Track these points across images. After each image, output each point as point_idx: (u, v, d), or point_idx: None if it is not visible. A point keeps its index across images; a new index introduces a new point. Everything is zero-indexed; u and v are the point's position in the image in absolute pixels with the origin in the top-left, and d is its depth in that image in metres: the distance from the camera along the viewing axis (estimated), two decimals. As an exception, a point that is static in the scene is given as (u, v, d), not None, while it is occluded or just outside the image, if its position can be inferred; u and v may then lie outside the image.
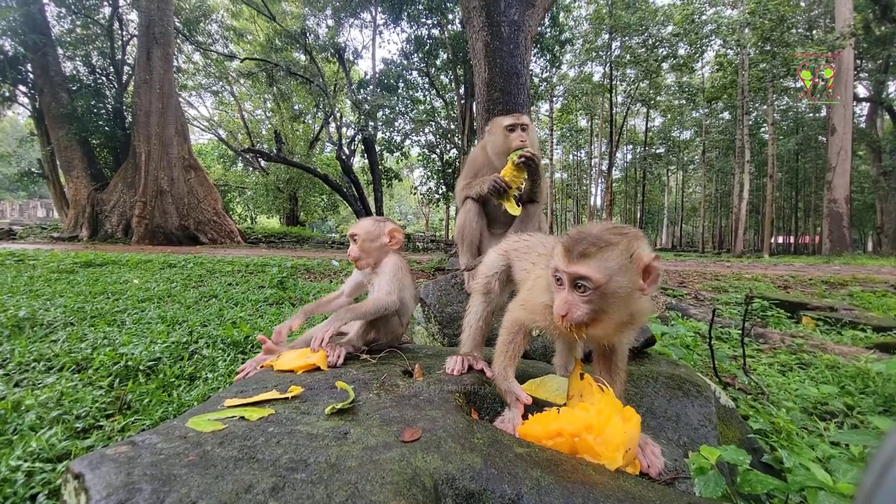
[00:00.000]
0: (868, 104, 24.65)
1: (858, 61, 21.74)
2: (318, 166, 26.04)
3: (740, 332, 2.81)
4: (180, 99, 19.89)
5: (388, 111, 21.50)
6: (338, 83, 24.41)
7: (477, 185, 2.56)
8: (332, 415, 1.22)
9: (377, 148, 22.77)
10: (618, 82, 28.18)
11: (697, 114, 33.82)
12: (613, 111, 28.03)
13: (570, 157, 43.35)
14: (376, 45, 23.10)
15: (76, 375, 2.25)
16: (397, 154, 23.67)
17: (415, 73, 22.95)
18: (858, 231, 36.54)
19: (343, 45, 22.17)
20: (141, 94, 15.44)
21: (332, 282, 6.28)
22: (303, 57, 22.97)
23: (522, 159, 2.32)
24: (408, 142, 23.86)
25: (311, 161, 26.43)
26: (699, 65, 27.77)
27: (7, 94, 17.46)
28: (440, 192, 25.30)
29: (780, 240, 39.17)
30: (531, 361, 2.07)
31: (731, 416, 1.85)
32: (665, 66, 25.02)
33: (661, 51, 23.40)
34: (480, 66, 5.58)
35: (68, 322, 3.18)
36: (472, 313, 1.74)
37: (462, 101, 20.72)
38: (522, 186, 2.42)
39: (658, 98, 31.34)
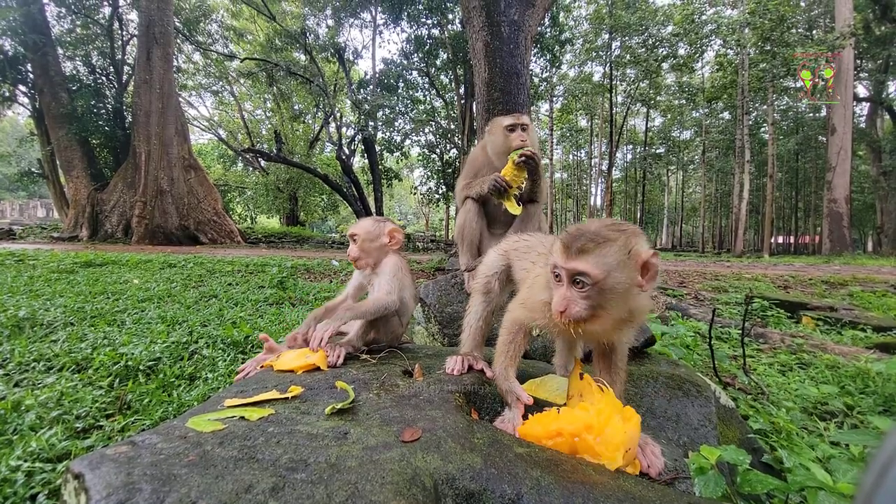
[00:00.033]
0: (868, 104, 24.65)
1: (858, 61, 21.74)
2: (318, 166, 26.04)
3: (740, 332, 2.81)
4: (180, 99, 19.89)
5: (388, 111, 21.51)
6: (338, 83, 24.41)
7: (477, 185, 2.56)
8: (332, 415, 1.22)
9: (377, 148, 22.77)
10: (618, 82, 28.19)
11: (697, 114, 33.83)
12: (613, 111, 28.03)
13: (570, 157, 43.37)
14: (376, 45, 23.13)
15: (76, 375, 2.25)
16: (397, 154, 23.68)
17: (415, 73, 22.96)
18: (858, 231, 36.54)
19: (343, 44, 22.18)
20: (141, 94, 15.44)
21: (332, 282, 6.28)
22: (303, 57, 22.97)
23: (523, 159, 2.32)
24: (408, 142, 23.88)
25: (311, 161, 26.43)
26: (699, 65, 27.79)
27: (7, 93, 17.46)
28: (440, 192, 25.30)
29: (780, 240, 39.17)
30: (531, 361, 2.07)
31: (731, 416, 1.85)
32: (665, 65, 25.03)
33: (661, 51, 23.41)
34: (480, 65, 5.58)
35: (68, 322, 3.18)
36: (472, 313, 1.74)
37: (462, 101, 20.73)
38: (523, 186, 2.42)
39: (658, 98, 31.34)
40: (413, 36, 20.28)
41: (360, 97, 20.70)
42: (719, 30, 20.72)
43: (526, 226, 2.51)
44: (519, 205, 2.44)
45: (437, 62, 21.54)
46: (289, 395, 1.36)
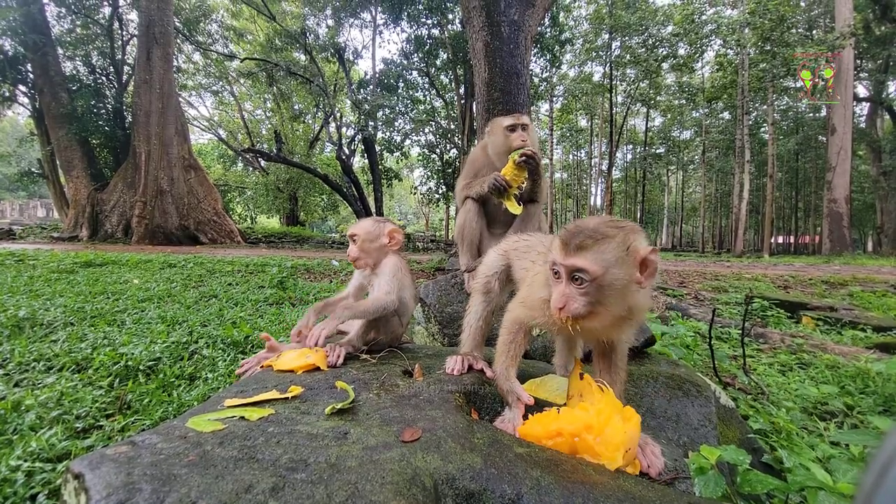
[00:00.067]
0: (868, 104, 24.65)
1: (858, 61, 21.74)
2: (318, 166, 26.04)
3: (740, 332, 2.81)
4: (180, 99, 19.89)
5: (388, 111, 21.51)
6: (338, 83, 24.42)
7: (477, 185, 2.56)
8: (332, 415, 1.22)
9: (377, 148, 22.77)
10: (618, 82, 28.18)
11: (697, 114, 33.83)
12: (613, 111, 28.03)
13: (570, 156, 43.37)
14: (376, 45, 23.13)
15: (76, 375, 2.25)
16: (397, 154, 23.68)
17: (415, 73, 22.96)
18: (858, 231, 36.55)
19: (343, 44, 22.18)
20: (141, 94, 15.44)
21: (332, 282, 6.28)
22: (303, 57, 22.98)
23: (523, 159, 2.32)
24: (408, 142, 23.88)
25: (311, 161, 26.44)
26: (699, 65, 27.79)
27: (7, 93, 17.46)
28: (440, 192, 25.30)
29: (780, 240, 39.18)
30: (531, 361, 2.07)
31: (731, 416, 1.85)
32: (665, 65, 25.03)
33: (661, 51, 23.40)
34: (480, 65, 5.58)
35: (68, 322, 3.18)
36: (472, 313, 1.74)
37: (462, 101, 20.73)
38: (523, 186, 2.42)
39: (658, 98, 31.33)
40: (413, 36, 20.28)
41: (360, 97, 20.70)
42: (719, 30, 20.72)
43: (526, 226, 2.51)
44: (519, 204, 2.44)
45: (437, 62, 21.54)
46: (289, 395, 1.35)
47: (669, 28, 22.92)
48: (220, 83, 27.41)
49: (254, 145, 26.50)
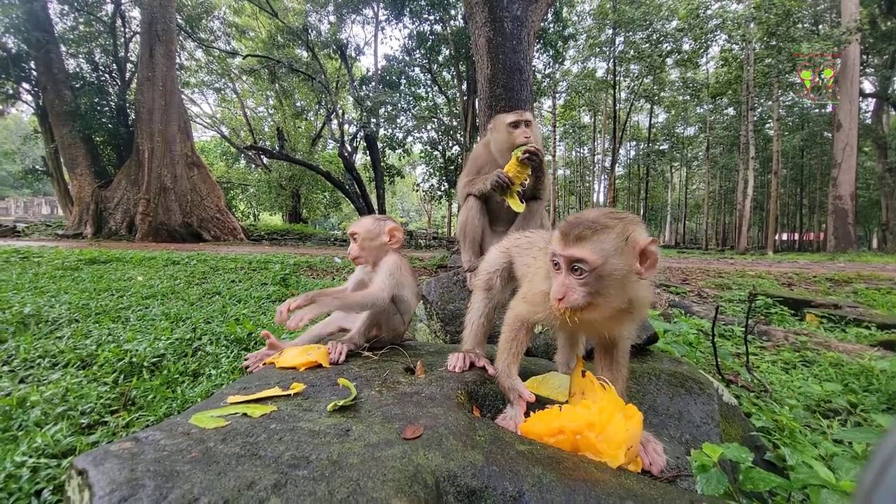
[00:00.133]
0: (874, 100, 24.40)
1: (864, 57, 21.51)
2: (321, 163, 26.04)
3: (743, 329, 2.80)
4: (183, 96, 19.93)
5: (390, 108, 21.45)
6: (340, 80, 24.37)
7: (480, 182, 2.56)
8: (334, 412, 1.23)
9: (379, 145, 22.74)
10: (621, 78, 27.99)
11: (701, 110, 33.55)
12: (617, 107, 27.85)
13: (573, 153, 43.20)
14: (378, 42, 23.06)
15: (81, 372, 2.27)
16: (399, 151, 23.62)
17: (417, 70, 22.87)
18: (864, 228, 36.30)
19: (345, 41, 22.11)
20: (144, 92, 15.47)
21: (334, 279, 6.29)
22: (305, 53, 22.94)
23: (526, 155, 2.31)
24: (410, 138, 23.79)
25: (313, 158, 26.45)
26: (704, 60, 27.56)
27: (11, 91, 17.53)
28: (442, 189, 25.25)
29: (785, 237, 38.95)
30: (533, 359, 2.07)
31: (733, 414, 1.84)
32: (669, 61, 24.84)
33: (665, 46, 23.23)
34: (483, 62, 5.55)
35: (73, 319, 3.20)
36: (474, 310, 1.74)
37: (464, 98, 20.65)
38: (526, 183, 2.41)
39: (662, 94, 31.12)
40: (415, 32, 20.20)
41: (362, 94, 20.67)
42: (724, 25, 20.53)
43: (528, 223, 2.50)
44: (522, 202, 2.43)
45: (440, 58, 21.45)
46: (291, 391, 1.36)
47: (674, 23, 22.74)
48: (223, 80, 27.43)
49: (256, 142, 26.53)
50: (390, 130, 22.67)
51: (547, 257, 1.26)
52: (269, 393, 1.35)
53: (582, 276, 1.15)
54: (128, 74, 19.02)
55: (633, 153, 41.99)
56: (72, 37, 17.65)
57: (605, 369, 1.42)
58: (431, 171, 25.86)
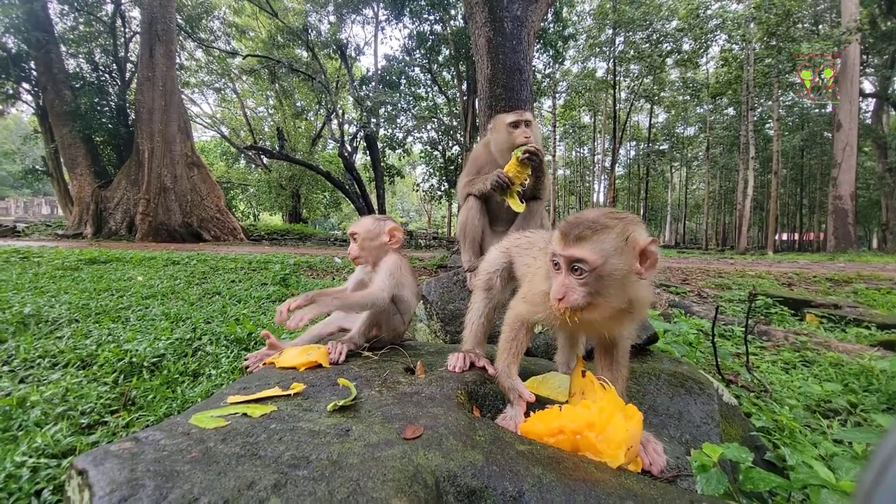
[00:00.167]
0: (874, 100, 24.40)
1: (864, 57, 21.51)
2: (321, 163, 26.05)
3: (743, 329, 2.80)
4: (183, 96, 19.92)
5: (390, 108, 21.45)
6: (340, 80, 24.37)
7: (480, 182, 2.55)
8: (333, 412, 1.23)
9: (379, 145, 22.74)
10: (621, 78, 27.98)
11: (701, 109, 33.54)
12: (617, 107, 27.84)
13: (573, 153, 43.19)
14: (378, 42, 23.07)
15: (81, 372, 2.27)
16: (399, 151, 23.62)
17: (417, 70, 22.87)
18: (864, 228, 36.29)
19: (345, 41, 22.11)
20: (144, 92, 15.47)
21: (334, 279, 6.29)
22: (305, 53, 22.94)
23: (526, 155, 2.31)
24: (410, 138, 23.79)
25: (313, 158, 26.45)
26: (704, 60, 27.55)
27: (11, 91, 17.52)
28: (442, 188, 25.25)
29: (785, 237, 38.94)
30: (533, 359, 2.07)
31: (733, 414, 1.84)
32: (669, 61, 24.83)
33: (665, 46, 23.22)
34: (483, 62, 5.55)
35: (73, 319, 3.20)
36: (474, 310, 1.74)
37: (464, 98, 20.65)
38: (526, 183, 2.41)
39: (662, 94, 31.11)
40: (415, 32, 20.20)
41: (362, 94, 20.67)
42: (724, 25, 20.53)
43: (528, 223, 2.50)
44: (522, 202, 2.43)
45: (440, 58, 21.45)
46: (291, 391, 1.36)
47: (674, 23, 22.73)
48: (223, 80, 27.44)
49: (256, 142, 26.53)
50: (390, 130, 22.67)
51: (547, 257, 1.26)
52: (269, 393, 1.35)
53: (582, 276, 1.15)
54: (128, 74, 19.02)
55: (633, 153, 41.98)
56: (72, 37, 17.65)
57: (605, 369, 1.42)
58: (431, 171, 25.86)
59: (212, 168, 24.00)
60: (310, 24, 21.91)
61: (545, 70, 23.09)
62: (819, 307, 4.78)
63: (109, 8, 18.49)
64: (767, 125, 28.58)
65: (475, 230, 2.61)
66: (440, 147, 24.43)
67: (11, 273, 4.97)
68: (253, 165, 30.42)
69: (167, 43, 15.74)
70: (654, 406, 1.62)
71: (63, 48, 17.09)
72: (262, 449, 0.97)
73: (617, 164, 30.58)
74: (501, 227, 2.65)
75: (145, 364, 2.38)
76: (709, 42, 22.56)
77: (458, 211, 2.81)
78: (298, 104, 28.33)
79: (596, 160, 40.10)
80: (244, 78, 26.81)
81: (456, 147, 23.11)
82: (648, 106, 33.37)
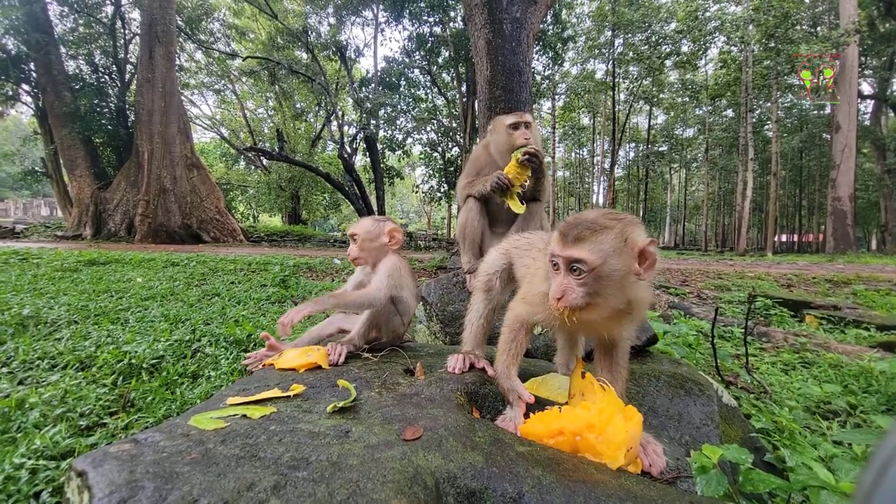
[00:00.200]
0: (873, 101, 24.48)
1: (863, 58, 21.59)
2: (320, 165, 26.05)
3: (743, 330, 2.80)
4: (182, 97, 19.92)
5: (389, 109, 21.46)
6: (339, 81, 24.39)
7: (480, 184, 2.56)
8: (333, 413, 1.22)
9: (379, 146, 22.76)
10: (620, 80, 28.03)
11: (701, 111, 33.60)
12: (616, 109, 27.89)
13: (573, 154, 43.23)
14: (378, 43, 23.07)
15: (80, 373, 2.26)
16: (399, 152, 23.63)
17: (416, 71, 22.89)
18: (862, 229, 36.35)
19: (345, 43, 22.14)
20: (143, 93, 15.47)
21: (333, 280, 6.29)
22: (304, 55, 22.96)
23: (526, 157, 2.32)
24: (410, 140, 23.80)
25: (313, 159, 26.45)
26: (702, 62, 27.60)
27: (10, 92, 17.52)
28: (442, 190, 25.26)
29: (784, 238, 38.99)
30: (533, 360, 2.07)
31: (733, 415, 1.84)
32: (668, 63, 24.88)
33: (664, 48, 23.26)
34: (482, 63, 5.56)
35: (72, 320, 3.19)
36: (474, 311, 1.74)
37: (464, 99, 20.67)
38: (526, 184, 2.41)
39: (661, 95, 31.16)
40: (415, 34, 20.23)
41: (361, 95, 20.68)
42: (723, 27, 20.59)
43: (528, 224, 2.50)
44: (522, 203, 2.43)
45: (439, 60, 21.48)
46: (291, 393, 1.36)
47: (673, 25, 22.78)
48: (223, 82, 27.44)
49: (256, 144, 26.53)
50: (390, 132, 22.69)
51: (546, 258, 1.26)
52: (269, 394, 1.34)
53: (581, 277, 1.15)
54: (127, 76, 19.02)
55: (632, 155, 42.02)
56: (71, 38, 17.66)
57: (605, 370, 1.42)
58: (431, 172, 25.88)
59: (211, 169, 24.02)
60: (309, 25, 21.93)
61: (544, 72, 23.13)
62: (818, 308, 4.78)
63: (109, 9, 18.51)
64: (766, 127, 28.64)
65: (475, 232, 2.61)
66: (440, 148, 24.46)
67: (10, 274, 4.97)
68: (252, 167, 30.42)
69: (167, 44, 15.75)
70: (654, 407, 1.62)
71: (63, 50, 17.08)
72: (262, 450, 0.97)
73: (616, 166, 30.62)
74: (501, 228, 2.65)
75: (144, 366, 2.38)
76: (707, 44, 22.62)
77: (458, 212, 2.81)
78: (298, 106, 28.35)
79: (595, 162, 40.14)
80: (244, 79, 26.83)
81: (455, 148, 23.13)
82: (647, 107, 33.43)
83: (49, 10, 16.46)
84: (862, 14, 19.61)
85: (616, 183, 32.53)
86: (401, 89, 22.59)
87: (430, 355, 1.90)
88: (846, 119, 18.67)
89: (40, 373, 2.27)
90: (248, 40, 25.50)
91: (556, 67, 24.41)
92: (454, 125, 22.79)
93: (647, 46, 23.57)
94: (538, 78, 22.43)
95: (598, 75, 29.50)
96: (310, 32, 21.61)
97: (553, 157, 31.06)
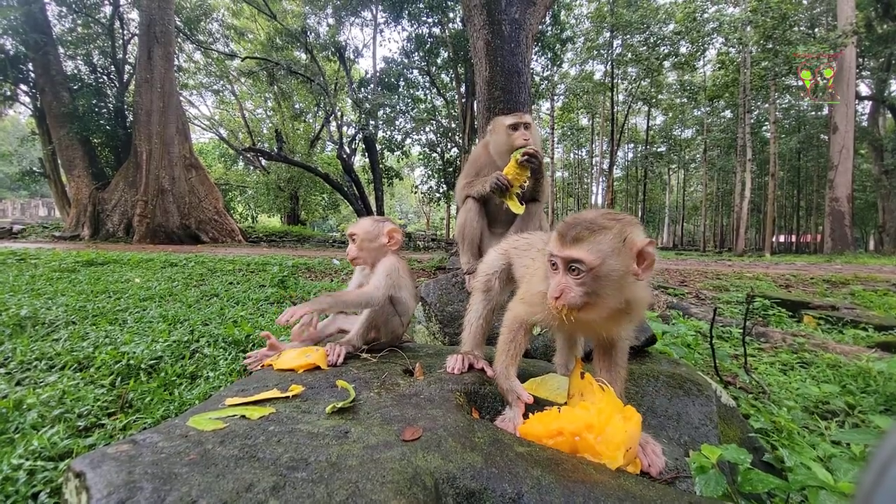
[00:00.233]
0: (870, 102, 24.56)
1: (860, 59, 21.66)
2: (319, 165, 26.05)
3: (741, 330, 2.80)
4: (181, 98, 19.91)
5: (388, 110, 21.47)
6: (338, 82, 24.39)
7: (479, 184, 2.56)
8: (332, 414, 1.22)
9: (378, 147, 22.76)
10: (619, 81, 28.11)
11: (699, 112, 33.71)
12: (614, 109, 27.96)
13: (571, 155, 43.30)
14: (377, 44, 23.12)
15: (78, 374, 2.25)
16: (398, 153, 23.66)
17: (415, 72, 22.90)
18: (860, 230, 36.44)
19: (344, 43, 22.14)
20: (142, 93, 15.45)
21: (332, 280, 6.28)
22: (303, 56, 22.95)
23: (525, 157, 2.32)
24: (408, 140, 23.82)
25: (311, 160, 26.43)
26: (701, 63, 27.69)
27: (8, 93, 17.46)
28: (441, 190, 25.27)
29: (782, 238, 39.09)
30: (532, 360, 2.07)
31: (732, 415, 1.84)
32: (666, 64, 24.94)
33: (662, 49, 23.32)
34: (481, 64, 5.57)
35: (70, 321, 3.18)
36: (473, 312, 1.74)
37: (463, 100, 20.69)
38: (525, 185, 2.41)
39: (659, 96, 31.26)
40: (414, 34, 20.24)
41: (360, 96, 20.69)
42: (721, 28, 20.64)
43: (527, 225, 2.51)
44: (522, 204, 2.43)
45: (438, 61, 21.49)
46: (289, 393, 1.36)
47: (671, 26, 22.84)
48: (221, 82, 27.41)
49: (255, 144, 26.50)
50: (389, 132, 22.69)
51: (545, 258, 1.27)
52: (268, 395, 1.34)
53: (579, 277, 1.16)
54: (126, 76, 18.99)
55: (630, 155, 42.14)
56: (70, 38, 17.62)
57: (604, 371, 1.42)
58: (430, 172, 25.89)
59: (210, 170, 23.99)
60: (308, 26, 21.93)
61: (543, 73, 23.18)
62: (816, 309, 4.79)
63: (108, 10, 18.48)
64: (764, 128, 28.74)
65: (474, 232, 2.61)
66: (439, 149, 24.47)
67: (8, 275, 4.95)
68: (251, 167, 30.39)
69: (165, 45, 15.72)
70: (653, 407, 1.62)
71: (61, 50, 17.04)
72: (261, 451, 0.97)
73: (615, 167, 30.68)
74: (500, 228, 2.65)
75: (143, 366, 2.37)
76: (706, 45, 22.68)
77: (457, 213, 2.81)
78: (297, 106, 28.34)
79: (594, 162, 40.24)
80: (243, 80, 26.81)
81: (454, 149, 23.15)
82: (646, 108, 33.52)
83: (47, 11, 16.43)
84: (860, 15, 19.68)
85: (615, 183, 32.58)
86: (400, 90, 22.61)
87: (430, 356, 1.90)
88: (844, 120, 18.74)
89: (38, 373, 2.26)
90: (247, 41, 25.48)
91: (555, 68, 24.48)
92: (453, 126, 22.81)
93: (645, 47, 23.63)
94: (537, 79, 22.48)
95: (597, 76, 29.59)
96: (309, 33, 21.60)
97: (552, 158, 31.11)
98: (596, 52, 27.17)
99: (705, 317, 4.41)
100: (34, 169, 19.37)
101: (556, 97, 30.51)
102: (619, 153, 37.03)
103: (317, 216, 35.03)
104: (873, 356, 3.00)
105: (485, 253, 1.92)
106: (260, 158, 26.71)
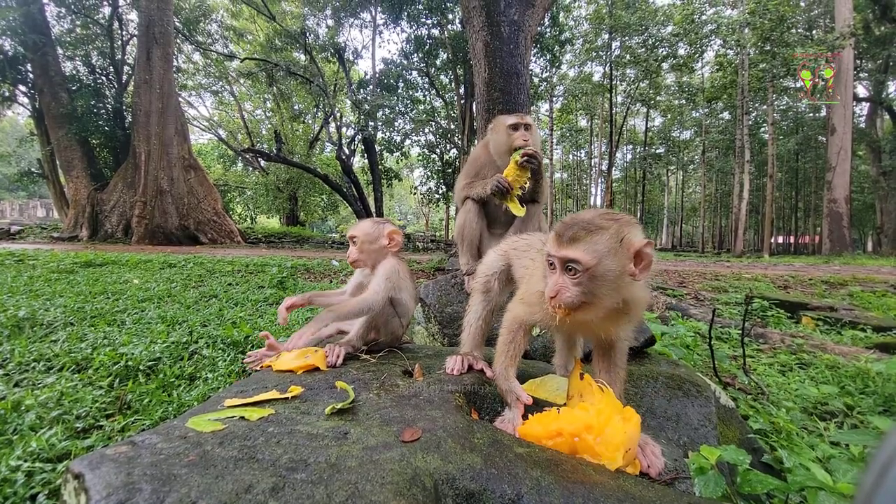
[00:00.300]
0: (868, 104, 24.65)
1: (858, 61, 21.74)
2: (318, 166, 26.04)
3: (740, 332, 2.81)
4: (180, 99, 19.88)
5: (387, 111, 21.50)
6: (338, 83, 24.42)
7: (479, 186, 2.56)
8: (332, 415, 1.22)
9: (377, 148, 22.78)
10: (618, 82, 28.18)
11: (697, 114, 33.82)
12: (613, 111, 28.02)
13: (570, 156, 43.38)
14: (376, 45, 23.14)
15: (76, 375, 2.25)
16: (397, 154, 23.68)
17: (415, 73, 22.96)
18: (858, 231, 36.53)
19: (343, 44, 22.17)
20: (141, 94, 15.44)
21: (332, 282, 6.28)
22: (303, 57, 22.97)
23: (525, 158, 2.32)
24: (408, 142, 23.87)
25: (310, 161, 26.43)
26: (699, 65, 27.79)
27: (7, 93, 17.45)
28: (440, 192, 25.30)
29: (780, 240, 39.19)
30: (531, 361, 2.07)
31: (731, 416, 1.84)
32: (665, 66, 25.03)
33: (660, 51, 23.41)
34: (480, 65, 5.58)
35: (68, 322, 3.17)
36: (472, 313, 1.74)
37: (462, 101, 20.73)
38: (525, 186, 2.41)
39: (658, 98, 31.34)
40: (413, 36, 20.28)
41: (359, 97, 20.71)
42: (719, 30, 20.73)
43: (526, 226, 2.51)
44: (522, 205, 2.43)
45: (437, 62, 21.54)
46: (289, 395, 1.36)
47: (669, 28, 22.93)
48: (220, 83, 27.41)
49: (254, 145, 26.50)
50: (388, 133, 22.72)
51: (543, 258, 1.27)
52: (267, 396, 1.34)
53: (576, 276, 1.16)
54: (125, 77, 18.98)
55: (629, 157, 42.22)
56: (69, 39, 17.61)
57: (603, 372, 1.42)
58: (429, 174, 25.92)
59: (209, 171, 23.98)
60: (308, 27, 21.96)
61: (542, 74, 23.24)
62: (815, 310, 4.80)
63: (107, 11, 18.48)
64: (762, 129, 28.83)
65: (473, 233, 2.61)
66: (438, 150, 24.50)
67: (6, 276, 4.94)
68: (250, 168, 30.38)
69: (164, 46, 15.72)
70: (652, 408, 1.62)
71: (60, 51, 17.03)
72: (260, 452, 0.97)
73: (614, 168, 30.73)
74: (499, 229, 2.65)
75: (141, 368, 2.37)
76: (704, 47, 22.77)
77: (456, 214, 2.81)
78: (296, 107, 28.35)
79: (593, 164, 40.31)
80: (242, 81, 26.82)
81: (453, 150, 23.18)
82: (645, 110, 33.62)
83: (46, 11, 16.42)
84: (857, 17, 19.77)
85: (613, 185, 32.64)
86: (399, 91, 22.64)
87: (429, 357, 1.89)
88: (841, 122, 18.80)
89: (36, 375, 2.25)
90: (246, 42, 25.51)
91: (554, 70, 24.53)
92: (452, 127, 22.84)
93: (644, 49, 23.71)
94: (536, 80, 22.53)
95: (596, 78, 29.64)
96: (308, 34, 21.63)
97: (551, 159, 31.16)
98: (594, 54, 27.25)
99: (704, 318, 4.41)
100: (32, 170, 19.35)
101: (554, 98, 30.59)
102: (618, 154, 37.11)
103: (316, 217, 35.01)
104: (872, 357, 3.00)
105: (484, 254, 1.92)
106: (259, 159, 26.70)
